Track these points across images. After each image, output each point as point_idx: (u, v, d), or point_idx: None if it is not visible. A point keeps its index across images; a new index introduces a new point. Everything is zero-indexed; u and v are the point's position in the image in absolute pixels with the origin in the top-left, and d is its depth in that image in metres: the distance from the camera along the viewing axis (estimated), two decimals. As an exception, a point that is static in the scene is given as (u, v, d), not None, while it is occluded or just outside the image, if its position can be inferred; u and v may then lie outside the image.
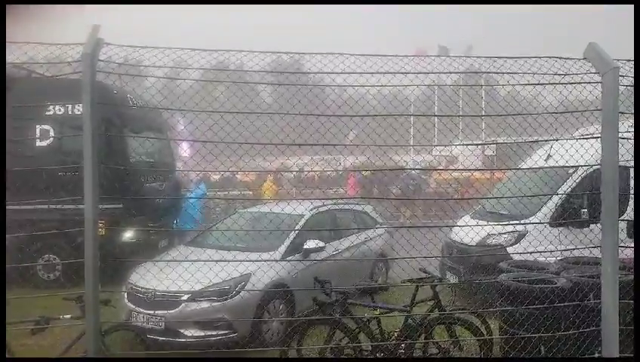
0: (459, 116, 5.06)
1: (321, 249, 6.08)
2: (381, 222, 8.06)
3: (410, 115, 4.60)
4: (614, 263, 3.82)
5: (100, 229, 3.32)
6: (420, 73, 3.98)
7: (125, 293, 5.31)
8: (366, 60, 3.74)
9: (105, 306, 3.51)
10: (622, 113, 3.67)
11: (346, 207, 7.71)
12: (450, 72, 4.38)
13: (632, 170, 4.71)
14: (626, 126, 3.96)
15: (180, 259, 5.34)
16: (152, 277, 4.97)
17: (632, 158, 4.49)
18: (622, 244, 3.90)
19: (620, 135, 3.70)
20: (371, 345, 4.31)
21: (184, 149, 7.86)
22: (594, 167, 4.37)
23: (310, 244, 6.01)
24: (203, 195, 10.83)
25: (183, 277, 4.74)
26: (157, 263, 5.35)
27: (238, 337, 5.06)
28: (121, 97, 7.91)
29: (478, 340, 4.33)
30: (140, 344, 4.53)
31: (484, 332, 4.41)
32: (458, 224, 7.10)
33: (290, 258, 5.84)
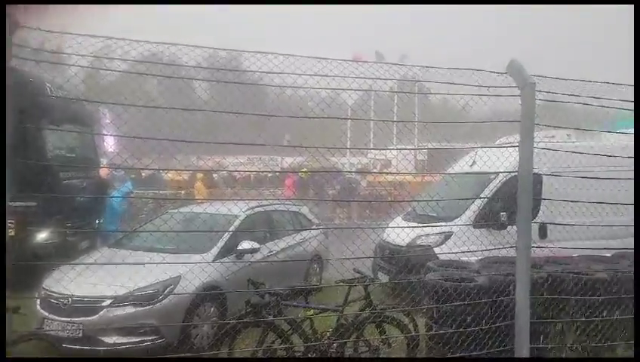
0: (393, 121, 5.23)
1: (256, 250, 6.00)
2: (317, 223, 8.12)
3: (348, 119, 4.68)
4: (527, 262, 4.15)
5: (9, 229, 3.03)
6: (359, 78, 4.07)
7: (38, 299, 4.89)
8: (305, 62, 3.75)
9: (14, 314, 3.21)
10: (537, 125, 3.99)
11: (282, 207, 7.68)
12: (388, 79, 4.51)
13: (543, 177, 5.16)
14: (541, 136, 4.32)
15: (101, 262, 5.02)
16: (69, 281, 4.61)
17: (546, 166, 4.90)
18: (534, 245, 4.24)
19: (534, 145, 4.02)
20: (304, 346, 4.32)
21: (110, 144, 7.40)
22: (511, 174, 4.71)
23: (245, 246, 5.91)
24: (129, 194, 10.27)
25: (105, 280, 4.45)
26: (76, 266, 4.98)
27: (166, 342, 4.85)
28: (38, 86, 7.28)
29: (405, 337, 4.49)
30: (54, 354, 4.19)
31: (412, 330, 4.58)
32: (390, 225, 7.34)
33: (223, 260, 5.71)
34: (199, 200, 8.92)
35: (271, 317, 4.27)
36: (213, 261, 5.59)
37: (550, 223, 5.58)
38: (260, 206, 6.92)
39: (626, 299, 4.51)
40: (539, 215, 5.54)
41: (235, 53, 3.86)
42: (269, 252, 6.49)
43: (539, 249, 4.78)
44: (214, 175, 12.97)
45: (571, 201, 4.69)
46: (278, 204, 7.71)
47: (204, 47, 3.65)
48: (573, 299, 4.43)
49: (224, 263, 5.64)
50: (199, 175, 12.79)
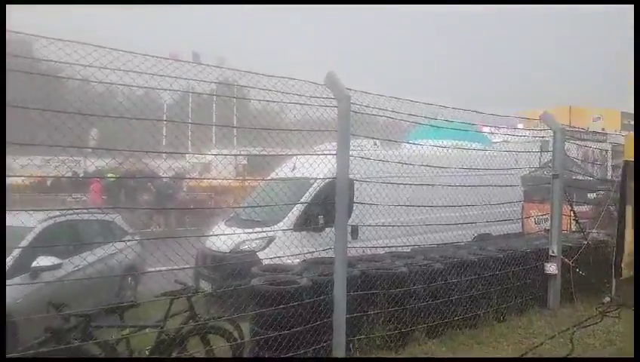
0: (212, 125, 5.13)
1: (57, 267, 5.16)
2: (131, 232, 7.41)
3: (165, 121, 4.41)
4: (344, 261, 4.53)
5: None
6: (179, 78, 3.88)
7: None
8: (118, 56, 3.40)
9: None
10: (353, 135, 4.40)
11: (91, 216, 6.79)
12: (208, 81, 4.40)
13: (355, 183, 5.72)
14: (354, 145, 4.79)
15: None
16: None
17: (358, 172, 5.44)
18: (348, 246, 4.63)
19: (349, 153, 4.42)
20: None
21: None
22: (329, 179, 5.08)
23: (42, 262, 5.02)
24: None
25: None
26: None
27: None
28: None
29: (231, 346, 4.42)
30: None
31: (237, 337, 4.53)
32: (213, 232, 7.14)
33: (12, 281, 4.73)
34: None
35: (77, 342, 3.71)
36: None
37: (365, 225, 6.18)
38: (62, 215, 5.98)
39: (420, 289, 5.26)
40: (352, 217, 6.10)
41: (27, 37, 3.26)
42: (75, 267, 5.67)
43: (353, 248, 5.25)
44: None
45: (377, 204, 5.30)
46: (85, 213, 6.77)
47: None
48: (381, 293, 4.99)
49: (16, 285, 4.68)
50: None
